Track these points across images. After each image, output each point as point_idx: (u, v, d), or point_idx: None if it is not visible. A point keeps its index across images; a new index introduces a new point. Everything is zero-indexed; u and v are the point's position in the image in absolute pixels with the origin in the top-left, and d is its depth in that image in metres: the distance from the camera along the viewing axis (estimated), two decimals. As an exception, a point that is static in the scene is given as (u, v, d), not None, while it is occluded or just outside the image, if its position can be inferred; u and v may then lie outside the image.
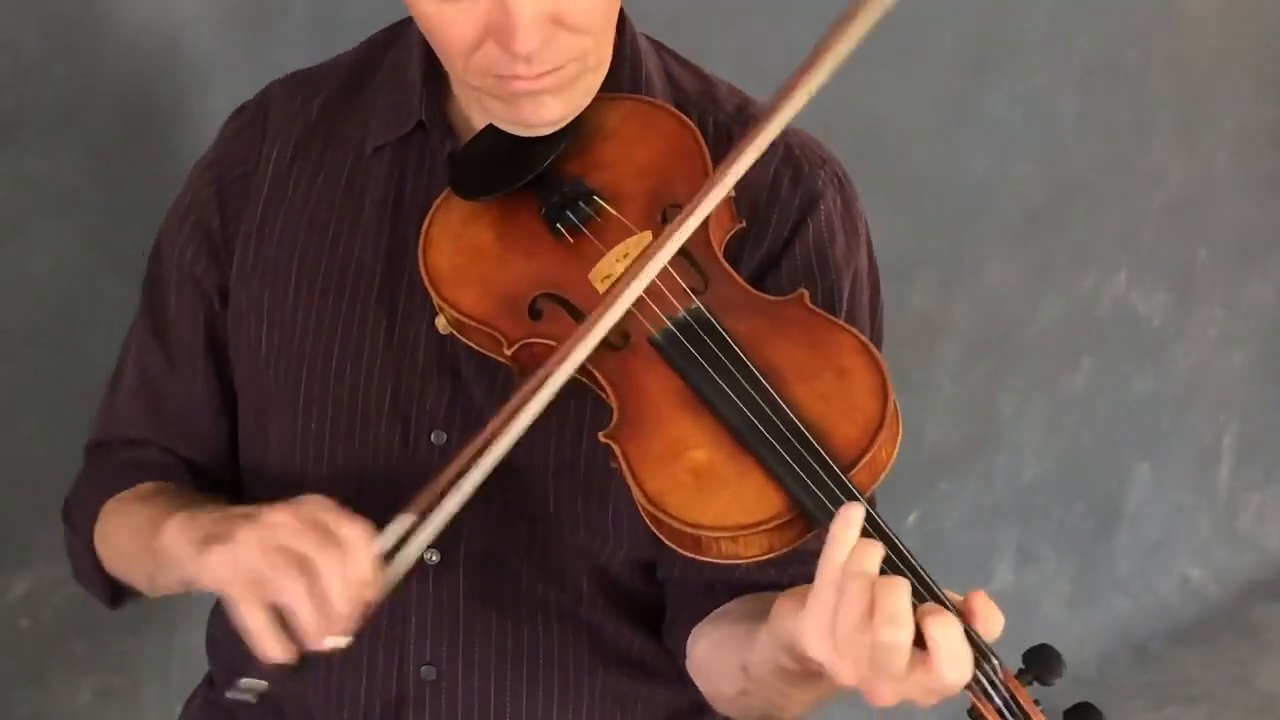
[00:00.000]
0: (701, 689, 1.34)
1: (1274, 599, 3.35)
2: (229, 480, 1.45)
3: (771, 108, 1.19)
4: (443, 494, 1.17)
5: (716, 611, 1.31)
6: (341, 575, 1.12)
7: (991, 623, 1.08)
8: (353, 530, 1.14)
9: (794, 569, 1.24)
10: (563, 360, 1.17)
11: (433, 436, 1.32)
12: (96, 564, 1.43)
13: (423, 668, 1.35)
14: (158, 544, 1.26)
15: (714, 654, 1.29)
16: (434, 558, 1.33)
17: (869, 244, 1.37)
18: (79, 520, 1.44)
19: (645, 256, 1.18)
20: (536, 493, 1.31)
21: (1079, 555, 3.16)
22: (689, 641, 1.33)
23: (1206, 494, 3.37)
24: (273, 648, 1.13)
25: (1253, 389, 3.40)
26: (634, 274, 1.18)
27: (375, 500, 1.32)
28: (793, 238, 1.32)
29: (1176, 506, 3.30)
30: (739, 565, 1.13)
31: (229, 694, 1.17)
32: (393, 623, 1.35)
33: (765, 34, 2.32)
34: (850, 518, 1.08)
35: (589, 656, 1.38)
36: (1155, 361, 3.17)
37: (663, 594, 1.38)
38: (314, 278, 1.35)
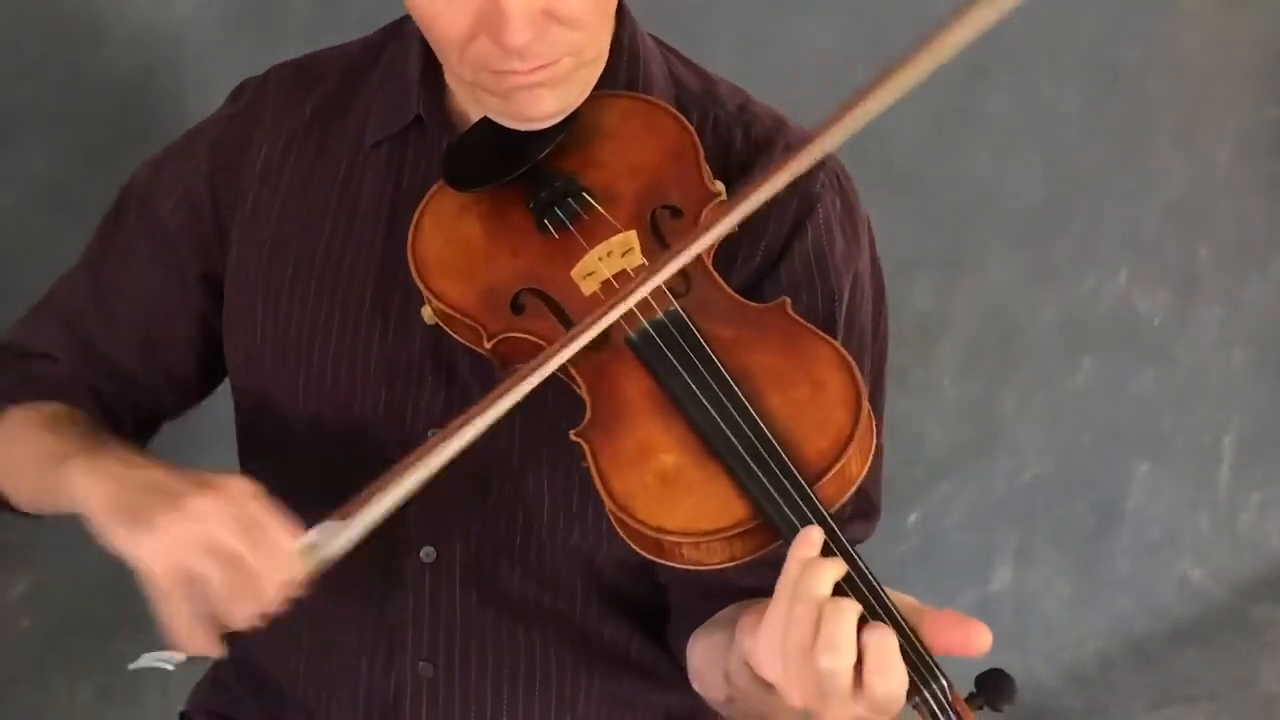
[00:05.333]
0: (701, 695, 1.33)
1: (1274, 599, 3.35)
2: (134, 420, 1.44)
3: (803, 145, 1.17)
4: (373, 496, 1.16)
5: (712, 618, 1.30)
6: (272, 579, 1.13)
7: (974, 638, 1.08)
8: (282, 532, 1.14)
9: None
10: (530, 372, 1.16)
11: (429, 434, 1.30)
12: None
13: (420, 664, 1.35)
14: (61, 479, 1.23)
15: (705, 661, 1.29)
16: (430, 555, 1.33)
17: (871, 243, 1.37)
18: None
19: (648, 271, 1.17)
20: (531, 490, 1.31)
21: (1079, 555, 3.16)
22: (687, 647, 1.33)
23: (1206, 494, 3.37)
24: (198, 643, 1.14)
25: (1253, 389, 3.40)
26: (629, 289, 1.17)
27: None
28: (790, 241, 1.31)
29: (1176, 506, 3.30)
30: (726, 570, 1.13)
31: (133, 666, 1.17)
32: (390, 618, 1.35)
33: (765, 34, 2.32)
34: (810, 540, 1.08)
35: (585, 658, 1.38)
36: (1155, 361, 3.17)
37: (661, 597, 1.38)
38: (309, 274, 1.35)
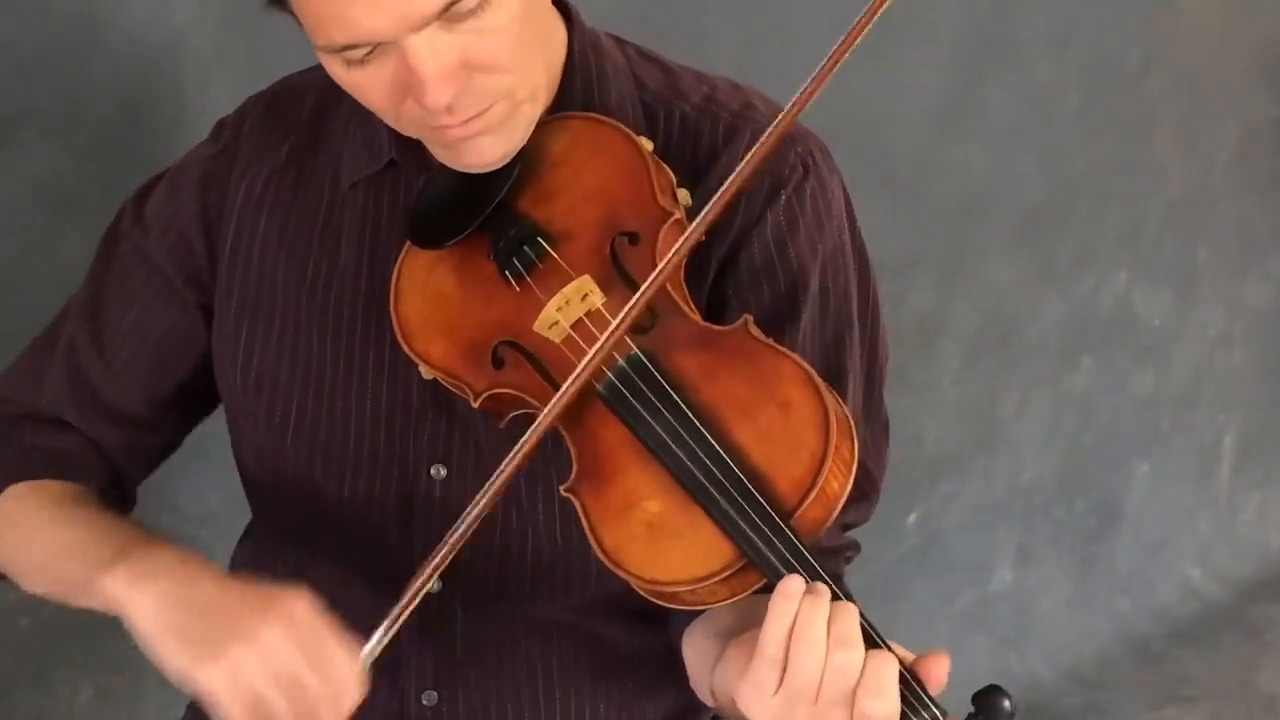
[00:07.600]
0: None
1: (1274, 599, 3.35)
2: (142, 465, 1.44)
3: (718, 196, 1.18)
4: (415, 595, 1.17)
5: (702, 616, 1.29)
6: (339, 703, 1.14)
7: (937, 671, 1.11)
8: (346, 656, 1.14)
9: None
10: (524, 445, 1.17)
11: (432, 470, 1.30)
12: None
13: (424, 694, 1.35)
14: (95, 582, 1.24)
15: (693, 664, 1.29)
16: (435, 586, 1.30)
17: (851, 220, 1.34)
18: None
19: (608, 333, 1.16)
20: (542, 519, 1.30)
21: (1079, 555, 3.16)
22: (682, 643, 1.32)
23: (1206, 494, 3.37)
24: None
25: (1253, 389, 3.40)
26: (592, 353, 1.16)
27: (376, 535, 1.32)
28: (751, 229, 1.29)
29: (1176, 506, 3.30)
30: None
31: None
32: (394, 650, 1.33)
33: (765, 34, 2.33)
34: (789, 591, 1.08)
35: (591, 668, 1.37)
36: (1155, 361, 3.17)
37: None
38: (295, 316, 1.33)
